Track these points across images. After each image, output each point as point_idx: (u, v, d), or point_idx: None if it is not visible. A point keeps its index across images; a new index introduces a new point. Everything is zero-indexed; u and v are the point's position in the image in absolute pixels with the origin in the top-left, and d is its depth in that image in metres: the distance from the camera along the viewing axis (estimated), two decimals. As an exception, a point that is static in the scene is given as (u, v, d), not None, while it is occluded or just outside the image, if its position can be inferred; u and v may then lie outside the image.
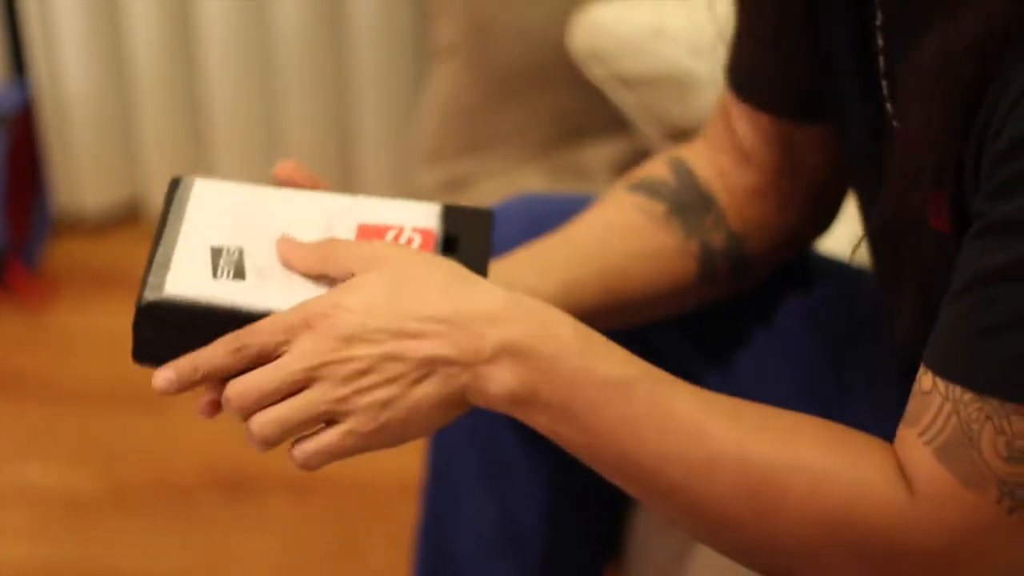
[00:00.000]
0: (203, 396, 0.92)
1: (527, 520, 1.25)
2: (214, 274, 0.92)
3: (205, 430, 1.97)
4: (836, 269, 1.23)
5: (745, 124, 1.12)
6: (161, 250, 0.93)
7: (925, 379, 0.84)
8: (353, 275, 0.91)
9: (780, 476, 0.86)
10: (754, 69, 1.09)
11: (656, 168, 1.15)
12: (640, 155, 1.83)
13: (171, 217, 0.95)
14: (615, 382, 0.88)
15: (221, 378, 0.90)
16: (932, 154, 0.86)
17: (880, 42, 0.95)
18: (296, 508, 1.90)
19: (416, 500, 1.31)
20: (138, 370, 0.93)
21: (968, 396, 0.81)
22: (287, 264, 0.93)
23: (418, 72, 2.29)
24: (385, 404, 0.88)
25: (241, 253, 0.93)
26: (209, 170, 2.40)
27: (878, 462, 0.86)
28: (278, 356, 0.89)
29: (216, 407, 0.92)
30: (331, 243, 0.93)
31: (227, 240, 0.94)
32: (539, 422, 0.90)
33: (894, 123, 0.93)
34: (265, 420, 0.89)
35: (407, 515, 1.41)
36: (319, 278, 0.93)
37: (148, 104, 2.38)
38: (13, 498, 1.94)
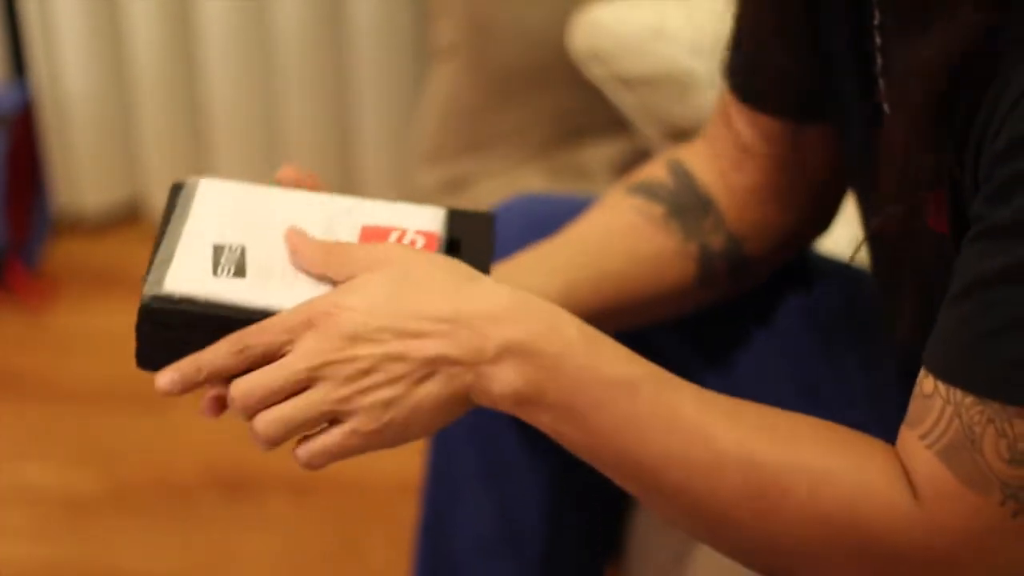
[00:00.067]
0: (207, 394, 0.92)
1: (527, 520, 1.25)
2: (215, 271, 0.92)
3: (205, 430, 1.98)
4: (836, 269, 1.23)
5: (745, 124, 1.12)
6: (163, 248, 0.93)
7: (926, 382, 0.84)
8: (355, 276, 0.91)
9: (782, 476, 0.86)
10: (754, 69, 1.09)
11: (655, 170, 1.16)
12: (640, 155, 1.83)
13: (175, 215, 0.95)
14: (620, 382, 0.88)
15: (224, 378, 0.91)
16: (918, 156, 0.86)
17: (877, 41, 0.95)
18: (296, 508, 1.90)
19: (416, 500, 1.31)
20: (138, 370, 0.93)
21: (969, 399, 0.81)
22: (294, 255, 0.93)
23: (418, 72, 2.29)
24: (388, 404, 0.88)
25: (243, 251, 0.93)
26: (209, 170, 2.40)
27: (880, 464, 0.86)
28: (282, 355, 0.89)
29: (220, 406, 0.92)
30: (336, 243, 0.94)
31: (230, 238, 0.94)
32: (542, 421, 0.90)
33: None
34: (269, 419, 0.89)
35: (407, 515, 1.41)
36: (321, 277, 0.93)
37: (148, 104, 2.38)
38: (13, 498, 1.94)
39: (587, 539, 1.31)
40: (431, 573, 1.30)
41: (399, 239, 0.96)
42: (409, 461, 1.46)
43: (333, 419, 0.89)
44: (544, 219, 1.18)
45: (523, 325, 0.88)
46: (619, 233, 1.12)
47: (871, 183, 0.95)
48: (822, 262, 1.23)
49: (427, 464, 1.29)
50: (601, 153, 1.94)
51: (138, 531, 1.88)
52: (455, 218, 0.99)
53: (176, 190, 0.97)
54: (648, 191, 1.13)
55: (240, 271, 0.92)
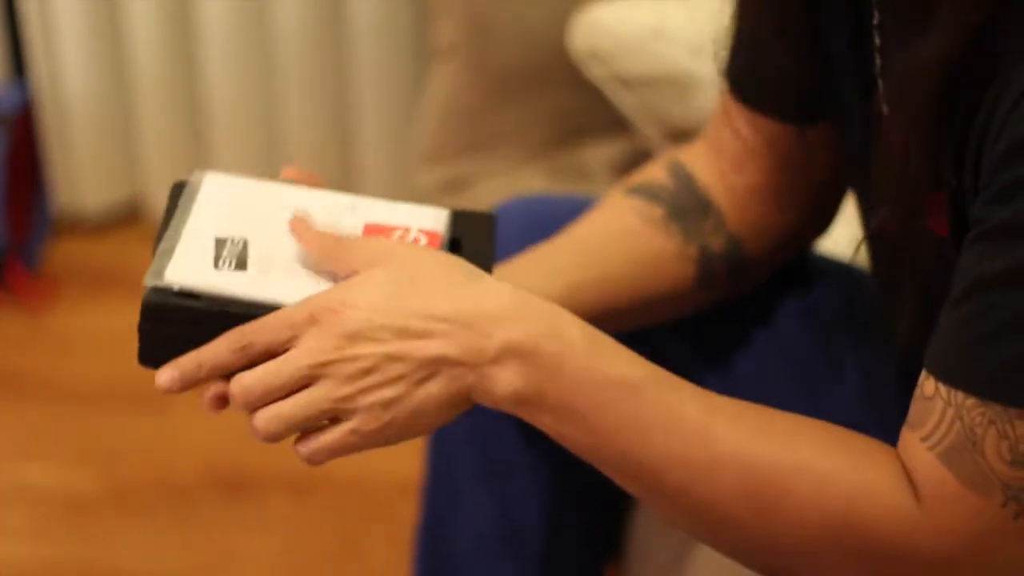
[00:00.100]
0: (208, 390, 0.92)
1: (527, 520, 1.25)
2: (216, 264, 0.92)
3: (205, 430, 1.98)
4: (836, 270, 1.23)
5: (744, 125, 1.12)
6: (166, 240, 0.93)
7: (927, 384, 0.84)
8: (358, 271, 0.91)
9: (783, 477, 0.86)
10: (753, 70, 1.09)
11: (655, 172, 1.16)
12: (640, 155, 1.83)
13: (179, 208, 0.95)
14: (621, 383, 0.88)
15: (225, 374, 0.91)
16: (917, 156, 0.86)
17: (877, 42, 0.95)
18: (296, 508, 1.90)
19: (416, 500, 1.31)
20: (138, 370, 0.93)
21: (971, 401, 0.81)
22: (298, 239, 0.93)
23: (418, 72, 2.29)
24: (389, 404, 0.88)
25: (245, 245, 0.94)
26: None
27: (882, 466, 0.86)
28: (284, 351, 0.89)
29: (222, 401, 0.92)
30: (340, 236, 0.93)
31: (232, 232, 0.94)
32: (544, 422, 0.90)
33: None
34: (269, 416, 0.89)
35: (407, 515, 1.41)
36: (322, 271, 0.93)
37: (148, 104, 2.38)
38: (13, 498, 1.94)
39: (587, 539, 1.31)
40: (431, 573, 1.30)
41: (402, 238, 0.96)
42: (409, 461, 1.46)
43: (334, 416, 0.90)
44: (544, 220, 1.18)
45: (524, 325, 0.89)
46: (619, 235, 1.12)
47: (871, 183, 0.95)
48: (822, 262, 1.23)
49: (427, 464, 1.29)
50: (601, 153, 1.94)
51: (138, 531, 1.88)
52: (458, 218, 0.99)
53: (178, 188, 0.98)
54: (648, 193, 1.13)
55: (242, 264, 0.93)
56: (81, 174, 2.43)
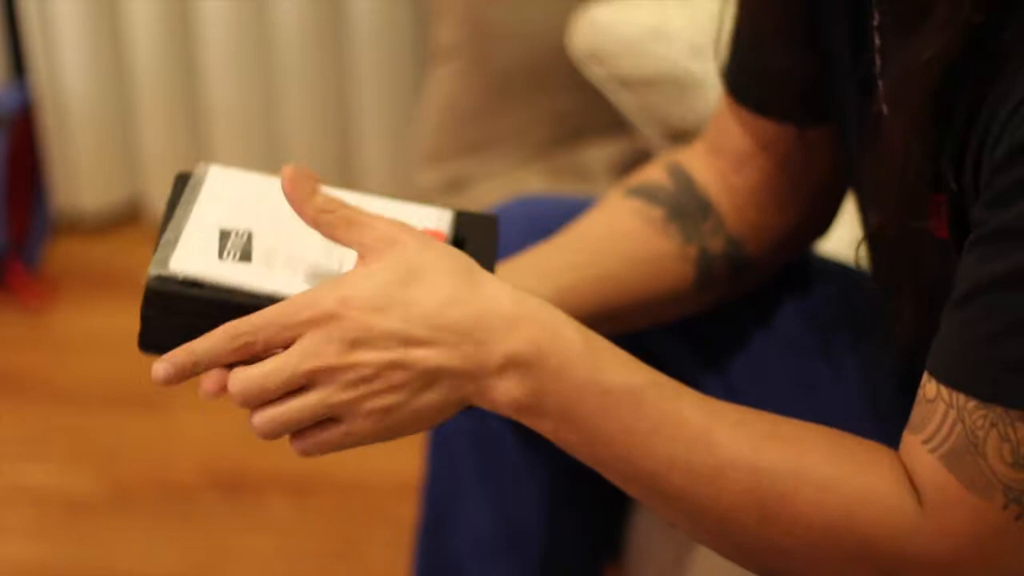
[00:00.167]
0: (208, 378, 0.90)
1: (527, 520, 1.25)
2: (220, 255, 0.92)
3: (205, 430, 1.98)
4: (836, 271, 1.23)
5: (744, 126, 1.12)
6: (170, 230, 0.93)
7: (929, 387, 0.84)
8: (363, 245, 0.89)
9: (785, 482, 0.86)
10: (753, 71, 1.09)
11: (654, 173, 1.15)
12: (640, 156, 1.83)
13: (183, 200, 0.95)
14: (622, 390, 0.88)
15: (223, 365, 0.90)
16: (916, 157, 0.86)
17: (877, 42, 0.95)
18: (296, 508, 1.90)
19: (416, 500, 1.31)
20: (138, 370, 0.93)
21: (972, 404, 0.81)
22: (289, 198, 0.91)
23: (418, 72, 2.29)
24: (387, 410, 0.88)
25: (250, 237, 0.94)
26: (209, 170, 2.39)
27: (883, 469, 0.86)
28: (283, 348, 0.89)
29: (222, 389, 0.91)
30: (351, 206, 0.91)
31: (237, 224, 0.94)
32: (544, 428, 0.90)
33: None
34: (267, 418, 0.89)
35: (407, 515, 1.41)
36: (324, 265, 0.92)
37: (148, 104, 2.38)
38: (13, 498, 1.94)
39: (587, 540, 1.31)
40: (431, 573, 1.30)
41: None
42: (409, 461, 1.46)
43: (331, 417, 0.89)
44: (544, 220, 1.18)
45: (525, 334, 0.88)
46: (618, 236, 1.11)
47: (871, 184, 0.95)
48: (822, 263, 1.23)
49: (427, 464, 1.29)
50: (601, 153, 1.94)
51: (138, 531, 1.88)
52: (462, 219, 0.99)
53: (182, 180, 0.98)
54: (647, 193, 1.13)
55: (246, 256, 0.93)
56: (81, 174, 2.43)
